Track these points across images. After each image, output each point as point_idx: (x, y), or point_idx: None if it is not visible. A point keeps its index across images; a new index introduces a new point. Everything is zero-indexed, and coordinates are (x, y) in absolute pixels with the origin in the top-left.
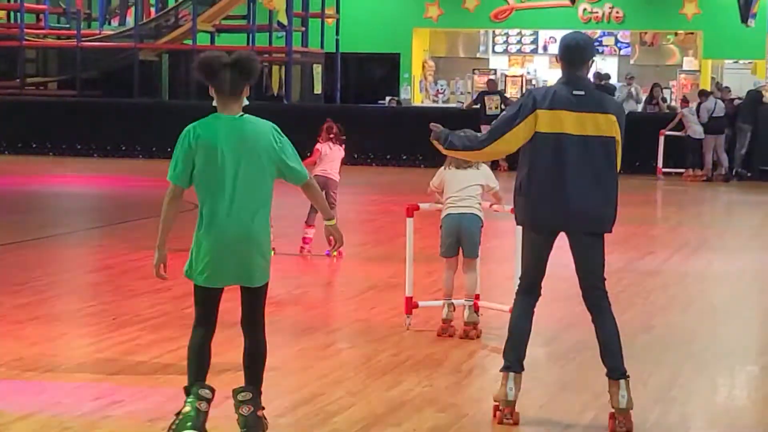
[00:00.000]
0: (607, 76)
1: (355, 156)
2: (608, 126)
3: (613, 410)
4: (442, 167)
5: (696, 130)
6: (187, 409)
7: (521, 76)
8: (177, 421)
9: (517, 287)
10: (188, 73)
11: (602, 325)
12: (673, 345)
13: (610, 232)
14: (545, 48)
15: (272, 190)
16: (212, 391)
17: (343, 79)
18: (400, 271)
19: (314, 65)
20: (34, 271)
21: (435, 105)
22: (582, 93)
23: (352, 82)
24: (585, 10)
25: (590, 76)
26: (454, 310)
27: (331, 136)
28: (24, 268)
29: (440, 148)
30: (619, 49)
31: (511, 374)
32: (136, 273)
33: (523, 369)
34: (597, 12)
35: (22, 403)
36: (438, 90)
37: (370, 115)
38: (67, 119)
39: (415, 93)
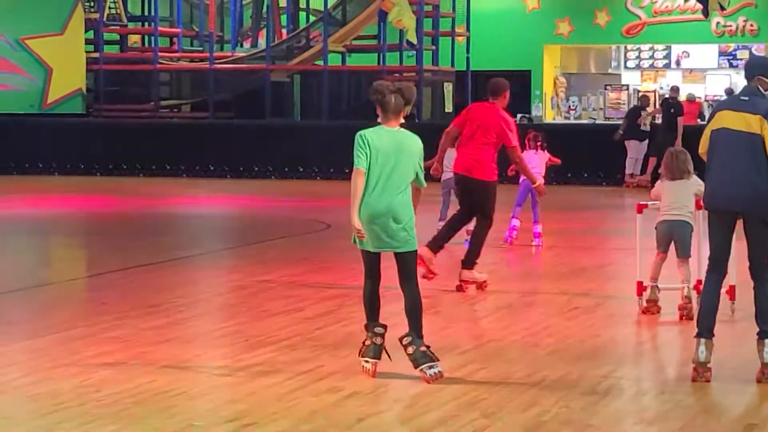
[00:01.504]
0: (676, 89)
1: None
2: (756, 124)
3: (761, 365)
4: (659, 180)
5: None
6: (368, 343)
7: (654, 91)
8: (363, 351)
9: (708, 266)
10: (320, 93)
11: (759, 291)
12: None
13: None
14: (678, 63)
15: (410, 182)
16: (384, 327)
17: (473, 97)
18: (534, 289)
19: (445, 83)
20: (167, 292)
21: (567, 122)
22: (746, 98)
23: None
24: (718, 23)
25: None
26: (659, 291)
27: (538, 143)
28: (158, 290)
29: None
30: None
31: (702, 340)
32: (269, 294)
33: (713, 335)
34: (731, 25)
35: (156, 425)
36: (570, 106)
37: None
38: (201, 141)
39: (547, 110)
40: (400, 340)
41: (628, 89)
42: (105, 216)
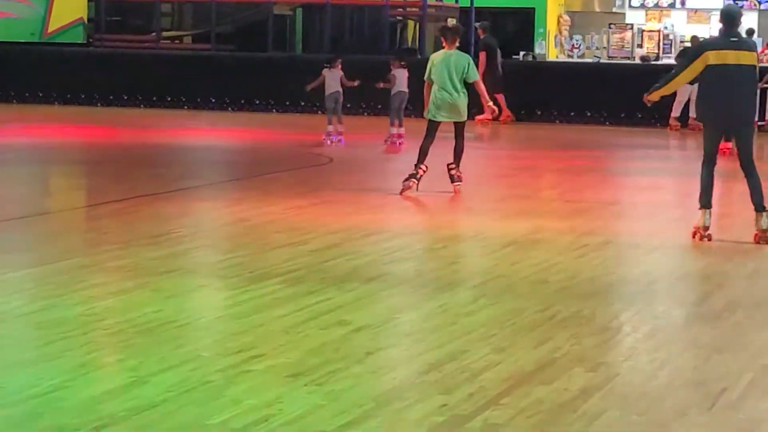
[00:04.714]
0: (751, 31)
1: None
2: (751, 58)
3: (756, 231)
4: None
5: None
6: (413, 171)
7: (658, 31)
8: (409, 176)
9: (703, 160)
10: (322, 27)
11: (750, 178)
12: None
13: (754, 125)
14: (683, 2)
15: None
16: (426, 167)
17: (477, 34)
18: (540, 227)
19: (448, 20)
20: (170, 223)
21: (570, 60)
22: (735, 39)
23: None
24: None
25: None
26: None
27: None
28: (160, 221)
29: (652, 97)
30: (760, 3)
31: (707, 210)
32: (273, 226)
33: (711, 206)
34: None
35: (162, 355)
36: (573, 45)
37: (505, 70)
38: (202, 73)
39: (550, 48)
40: (448, 165)
41: (632, 28)
42: (105, 146)
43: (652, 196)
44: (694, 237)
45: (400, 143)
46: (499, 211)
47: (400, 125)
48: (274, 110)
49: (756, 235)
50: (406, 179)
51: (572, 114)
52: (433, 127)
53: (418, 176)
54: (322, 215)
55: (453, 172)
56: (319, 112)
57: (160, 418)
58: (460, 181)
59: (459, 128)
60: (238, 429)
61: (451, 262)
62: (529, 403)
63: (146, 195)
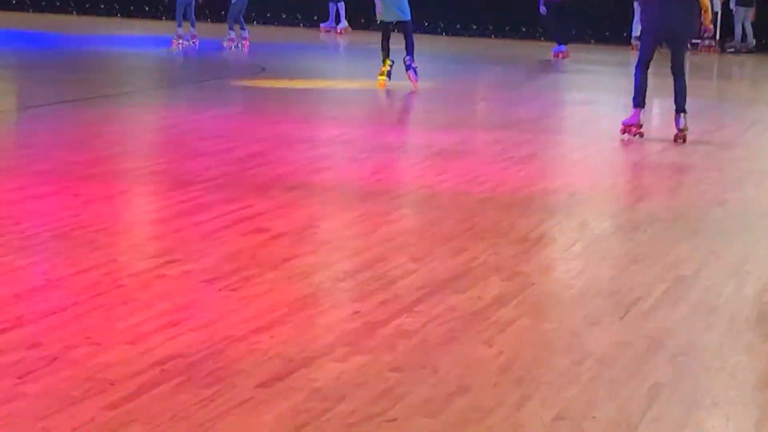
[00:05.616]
0: None
1: (426, 24)
2: None
3: (676, 131)
4: None
5: None
6: (383, 69)
7: None
8: (381, 72)
9: (637, 63)
10: None
11: (677, 82)
12: (747, 219)
13: (692, 39)
14: None
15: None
16: (392, 61)
17: None
18: (466, 138)
19: None
20: (95, 128)
21: None
22: None
23: None
24: None
25: None
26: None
27: None
28: (86, 126)
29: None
30: None
31: (641, 109)
32: (199, 133)
33: (645, 106)
34: None
35: (75, 259)
36: None
37: None
38: None
39: None
40: (404, 59)
41: None
42: (35, 52)
43: (581, 111)
44: (623, 133)
45: (244, 45)
46: (426, 122)
47: (243, 28)
48: (208, 19)
49: (675, 134)
50: (380, 74)
51: (507, 29)
52: (385, 27)
53: (389, 70)
54: (249, 123)
55: (408, 62)
56: (255, 22)
57: (67, 320)
58: (417, 77)
59: (406, 27)
60: (146, 332)
61: (374, 172)
62: (442, 311)
63: (73, 100)
